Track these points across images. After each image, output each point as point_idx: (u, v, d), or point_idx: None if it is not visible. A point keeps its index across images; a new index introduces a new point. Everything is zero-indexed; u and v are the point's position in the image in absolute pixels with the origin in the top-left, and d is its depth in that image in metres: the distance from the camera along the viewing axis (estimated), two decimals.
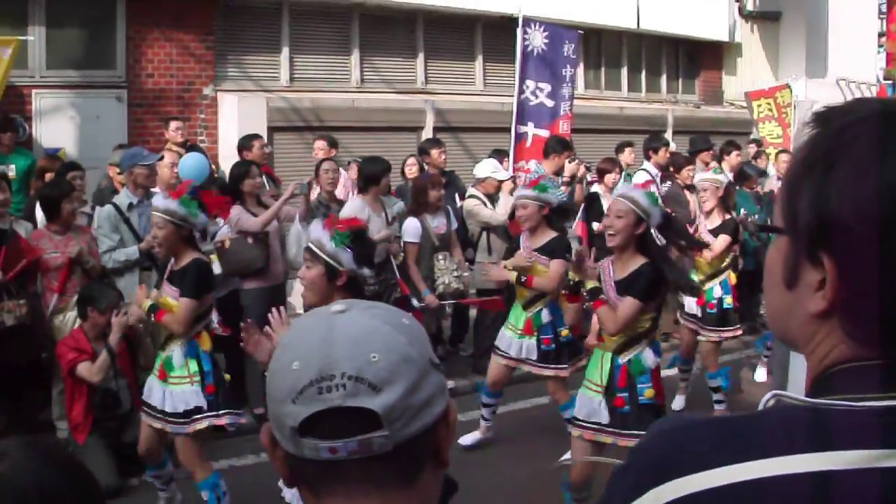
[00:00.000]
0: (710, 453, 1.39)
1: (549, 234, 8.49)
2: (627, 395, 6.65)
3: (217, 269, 9.30)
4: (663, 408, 6.85)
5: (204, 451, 7.09)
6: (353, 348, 1.47)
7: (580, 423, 6.85)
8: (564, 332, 8.57)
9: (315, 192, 10.61)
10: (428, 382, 1.52)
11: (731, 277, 9.94)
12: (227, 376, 7.22)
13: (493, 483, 7.80)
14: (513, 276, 8.39)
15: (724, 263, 9.91)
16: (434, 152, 12.09)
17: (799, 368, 3.34)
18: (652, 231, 6.79)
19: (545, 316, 8.49)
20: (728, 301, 9.82)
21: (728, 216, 10.04)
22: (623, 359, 6.71)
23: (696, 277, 9.76)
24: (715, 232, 9.86)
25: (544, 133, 12.45)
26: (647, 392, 6.66)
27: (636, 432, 6.46)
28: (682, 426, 1.50)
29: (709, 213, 9.97)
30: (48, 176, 10.13)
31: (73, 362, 8.05)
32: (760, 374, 11.67)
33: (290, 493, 5.53)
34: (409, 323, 1.57)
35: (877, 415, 1.34)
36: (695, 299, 9.76)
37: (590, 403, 6.80)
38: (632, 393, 6.65)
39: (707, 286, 9.79)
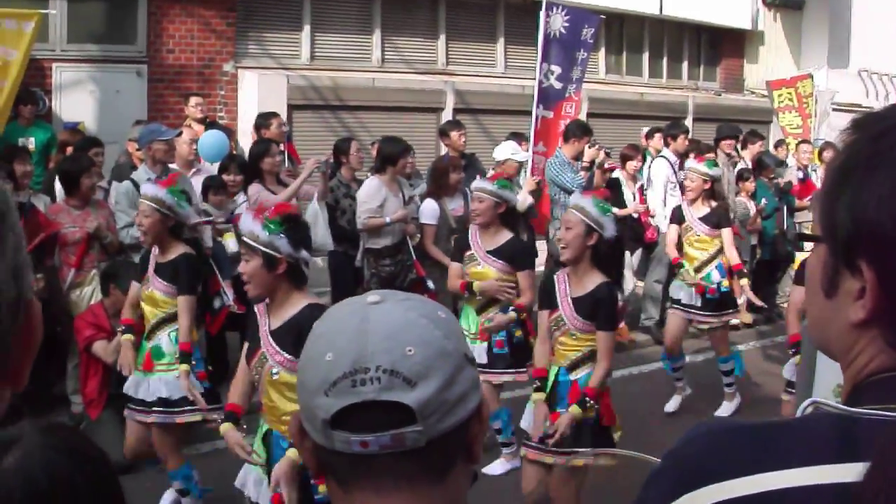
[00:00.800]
0: (745, 460, 1.37)
1: (504, 236, 7.97)
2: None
3: (233, 247, 9.29)
4: (610, 426, 6.59)
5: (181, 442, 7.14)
6: (388, 341, 1.45)
7: (526, 442, 6.66)
8: (518, 332, 8.08)
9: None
10: (463, 377, 1.50)
11: (724, 261, 9.92)
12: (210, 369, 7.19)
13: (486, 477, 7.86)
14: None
15: (716, 248, 9.87)
16: (454, 134, 12.03)
17: (825, 367, 3.32)
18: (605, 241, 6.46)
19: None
20: (725, 284, 9.84)
21: (715, 203, 9.95)
22: (574, 375, 6.50)
23: (689, 266, 9.88)
24: (705, 220, 9.86)
25: (549, 115, 12.37)
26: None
27: (568, 451, 6.29)
28: (718, 431, 1.48)
29: (693, 202, 9.94)
30: (69, 150, 10.12)
31: (90, 339, 8.04)
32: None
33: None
34: (446, 316, 1.55)
35: None
36: (693, 289, 9.81)
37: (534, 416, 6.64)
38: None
39: (704, 272, 9.83)
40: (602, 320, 6.38)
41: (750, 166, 13.77)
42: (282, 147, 10.96)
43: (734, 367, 10.05)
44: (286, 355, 5.08)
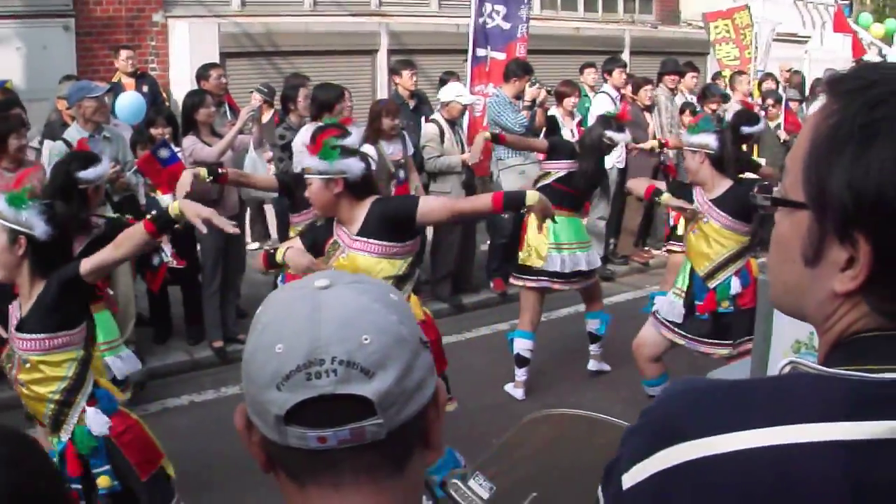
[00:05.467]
0: (723, 418, 1.37)
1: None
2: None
3: (167, 202, 9.13)
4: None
5: None
6: (342, 330, 1.37)
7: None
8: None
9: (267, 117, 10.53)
10: (419, 363, 1.43)
11: None
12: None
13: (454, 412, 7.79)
14: None
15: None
16: (405, 74, 11.98)
17: (783, 323, 3.29)
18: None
19: None
20: None
21: None
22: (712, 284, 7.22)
23: None
24: None
25: (501, 56, 12.31)
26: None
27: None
28: (696, 389, 1.48)
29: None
30: None
31: None
32: None
33: None
34: (398, 299, 1.47)
35: None
36: None
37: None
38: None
39: None
40: None
41: (691, 99, 13.74)
42: (223, 99, 10.85)
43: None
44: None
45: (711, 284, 7.27)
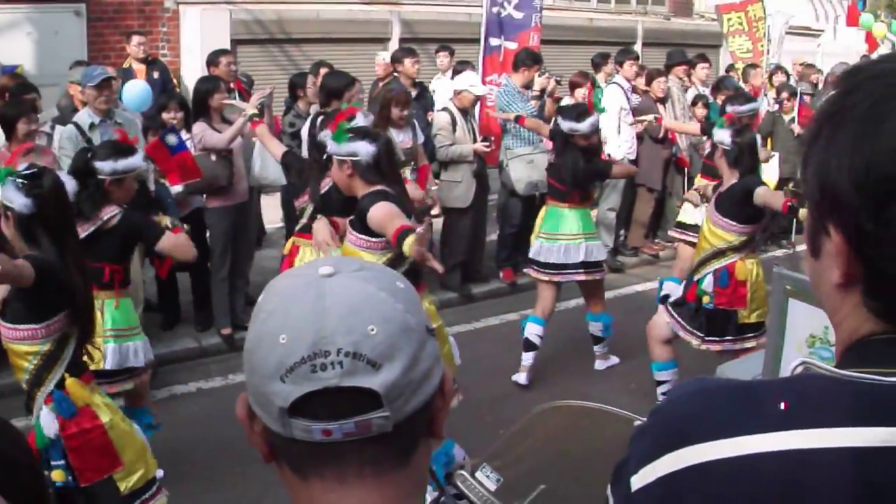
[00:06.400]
0: (731, 422, 1.33)
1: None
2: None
3: (179, 187, 9.10)
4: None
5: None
6: (348, 320, 1.32)
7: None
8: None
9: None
10: (426, 353, 1.38)
11: None
12: None
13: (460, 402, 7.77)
14: None
15: None
16: (407, 62, 11.95)
17: (797, 318, 3.25)
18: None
19: None
20: None
21: None
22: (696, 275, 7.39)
23: None
24: None
25: (513, 46, 12.29)
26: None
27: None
28: (705, 390, 1.44)
29: None
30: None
31: None
32: None
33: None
34: (404, 286, 1.42)
35: None
36: None
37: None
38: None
39: None
40: None
41: (703, 91, 13.64)
42: (232, 85, 10.80)
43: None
44: None
45: (695, 277, 7.40)
